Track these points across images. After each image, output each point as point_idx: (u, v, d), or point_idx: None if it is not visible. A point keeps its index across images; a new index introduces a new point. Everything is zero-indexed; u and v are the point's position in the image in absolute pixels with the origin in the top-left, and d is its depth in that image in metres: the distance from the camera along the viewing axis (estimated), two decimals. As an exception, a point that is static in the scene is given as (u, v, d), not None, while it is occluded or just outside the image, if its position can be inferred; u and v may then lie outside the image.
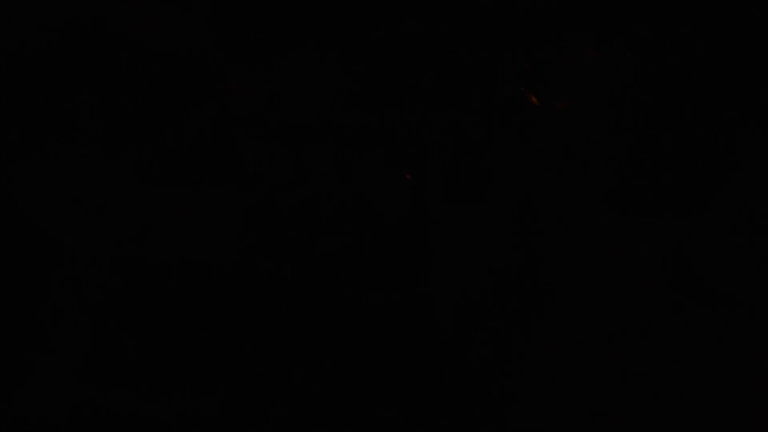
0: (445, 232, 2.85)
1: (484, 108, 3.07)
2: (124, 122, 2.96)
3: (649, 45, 3.13)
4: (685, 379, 2.66)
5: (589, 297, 2.78)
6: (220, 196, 2.88)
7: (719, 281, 2.79)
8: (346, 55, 3.13)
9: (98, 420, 2.55)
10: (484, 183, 2.95)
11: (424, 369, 2.66)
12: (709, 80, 3.10)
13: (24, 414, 2.52)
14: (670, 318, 2.74)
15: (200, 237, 2.81)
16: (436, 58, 3.14)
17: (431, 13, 3.17)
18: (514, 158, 2.98)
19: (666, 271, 2.82)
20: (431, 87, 3.11)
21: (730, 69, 3.10)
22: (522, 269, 2.82)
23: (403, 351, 2.69)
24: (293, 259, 2.78)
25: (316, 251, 2.79)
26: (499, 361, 2.69)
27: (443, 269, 2.80)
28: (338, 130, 2.98)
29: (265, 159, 2.92)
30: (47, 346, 2.62)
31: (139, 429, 2.55)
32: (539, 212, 2.91)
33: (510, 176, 2.96)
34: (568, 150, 3.01)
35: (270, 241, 2.82)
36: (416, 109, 3.07)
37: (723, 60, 3.11)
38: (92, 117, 2.95)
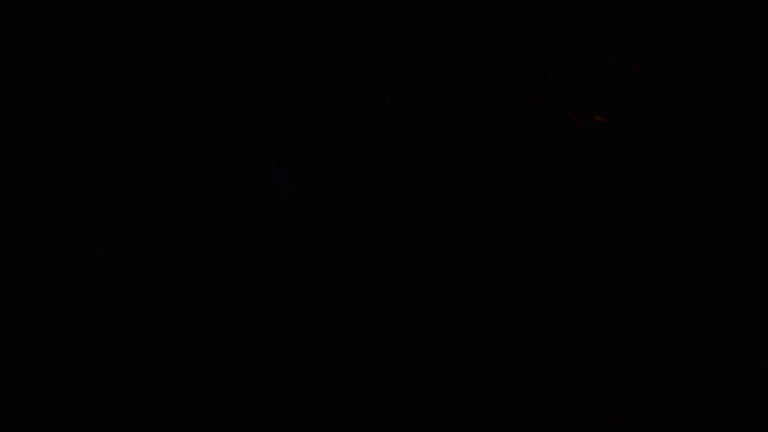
0: (481, 247, 2.81)
1: (486, 108, 3.07)
2: (125, 123, 2.96)
3: (649, 45, 3.13)
4: (725, 391, 2.64)
5: (625, 308, 2.76)
6: (242, 207, 2.86)
7: (762, 292, 2.77)
8: (346, 55, 3.13)
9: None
10: (517, 193, 2.93)
11: (463, 396, 2.62)
12: (708, 80, 3.10)
13: (42, 426, 2.51)
14: (709, 330, 2.72)
15: (222, 249, 2.79)
16: (436, 58, 3.14)
17: (431, 13, 3.18)
18: (547, 167, 2.97)
19: (705, 282, 2.80)
20: (431, 87, 3.11)
21: (730, 69, 3.10)
22: (558, 281, 2.80)
23: (441, 375, 2.64)
24: (320, 274, 2.74)
25: (345, 269, 2.75)
26: (537, 372, 2.66)
27: (481, 287, 2.75)
28: (343, 134, 2.97)
29: (279, 169, 2.90)
30: (65, 357, 2.61)
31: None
32: (575, 223, 2.90)
33: (544, 186, 2.94)
34: (602, 159, 3.00)
35: (294, 254, 2.80)
36: (418, 110, 3.07)
37: (723, 60, 3.11)
38: (93, 118, 2.95)
